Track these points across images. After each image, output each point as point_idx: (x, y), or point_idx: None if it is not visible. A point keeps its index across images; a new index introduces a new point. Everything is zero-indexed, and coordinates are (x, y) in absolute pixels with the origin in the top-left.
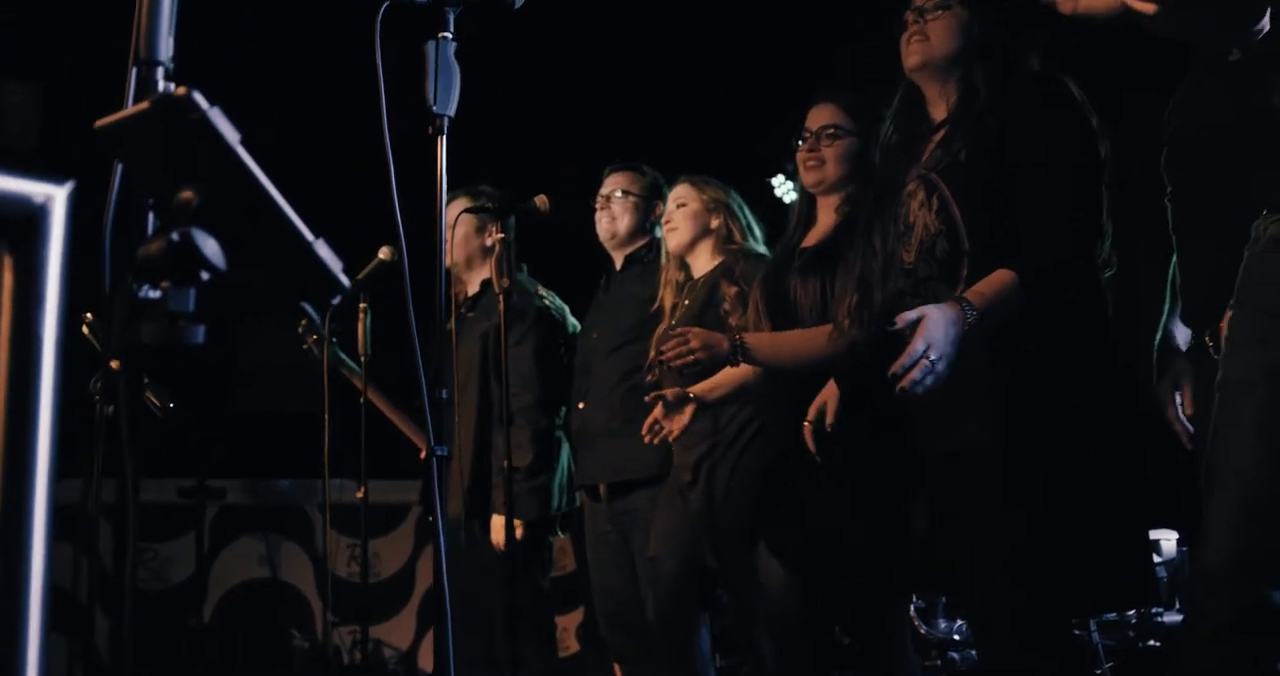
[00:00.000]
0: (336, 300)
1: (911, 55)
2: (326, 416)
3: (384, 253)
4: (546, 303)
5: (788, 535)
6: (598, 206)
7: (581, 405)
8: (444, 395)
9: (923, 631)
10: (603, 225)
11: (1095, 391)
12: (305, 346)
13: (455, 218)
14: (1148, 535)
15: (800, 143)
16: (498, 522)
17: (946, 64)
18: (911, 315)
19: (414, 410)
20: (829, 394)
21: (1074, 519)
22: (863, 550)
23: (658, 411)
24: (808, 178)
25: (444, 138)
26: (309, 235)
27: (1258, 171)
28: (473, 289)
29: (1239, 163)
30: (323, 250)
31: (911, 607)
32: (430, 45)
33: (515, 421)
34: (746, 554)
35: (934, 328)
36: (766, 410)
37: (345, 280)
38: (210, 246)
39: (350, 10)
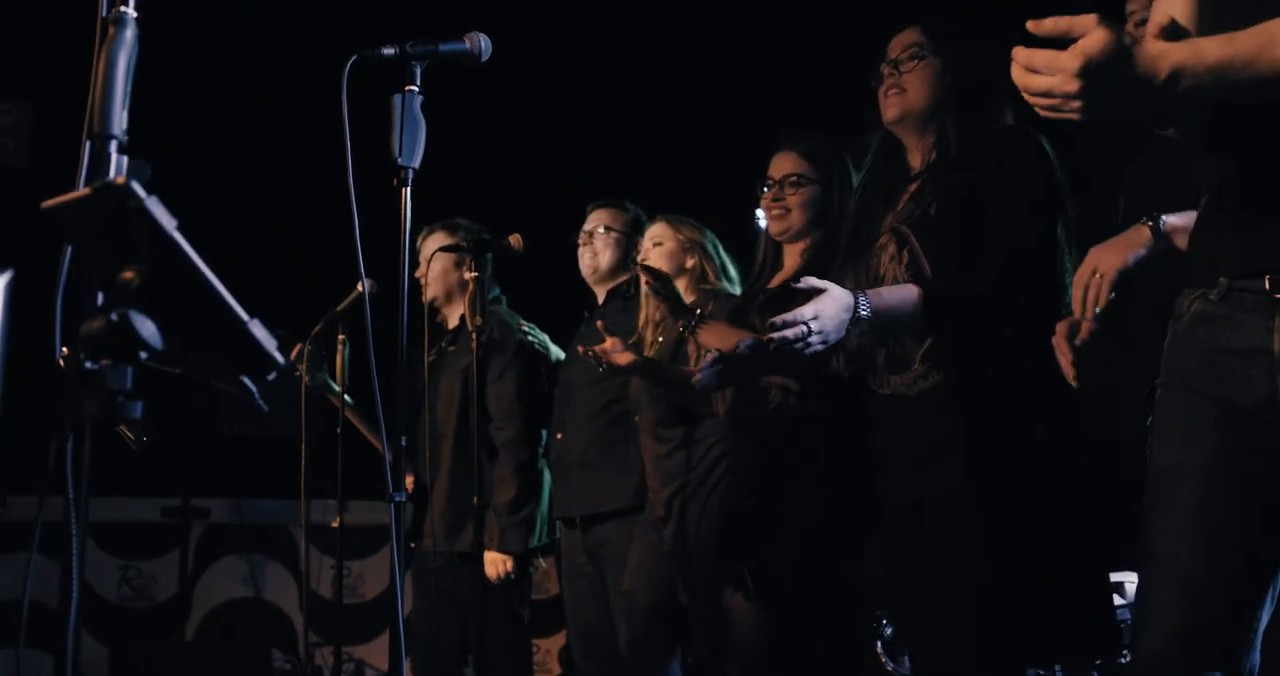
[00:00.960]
0: (272, 376)
1: (890, 108)
2: (304, 440)
3: (362, 285)
4: (529, 337)
5: (748, 569)
6: (581, 242)
7: (560, 435)
8: (404, 442)
9: (889, 668)
10: (585, 260)
11: (1051, 438)
12: (296, 372)
13: (431, 253)
14: (1109, 580)
15: (765, 191)
16: (488, 559)
17: (924, 116)
18: (817, 284)
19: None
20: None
21: (1035, 566)
22: (824, 586)
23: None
24: (774, 226)
25: (408, 189)
26: (244, 315)
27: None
28: (453, 322)
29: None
30: (257, 329)
31: (878, 643)
32: (396, 98)
33: (499, 456)
34: (716, 590)
35: (829, 305)
36: (734, 450)
37: (279, 357)
38: (147, 328)
39: (327, 62)
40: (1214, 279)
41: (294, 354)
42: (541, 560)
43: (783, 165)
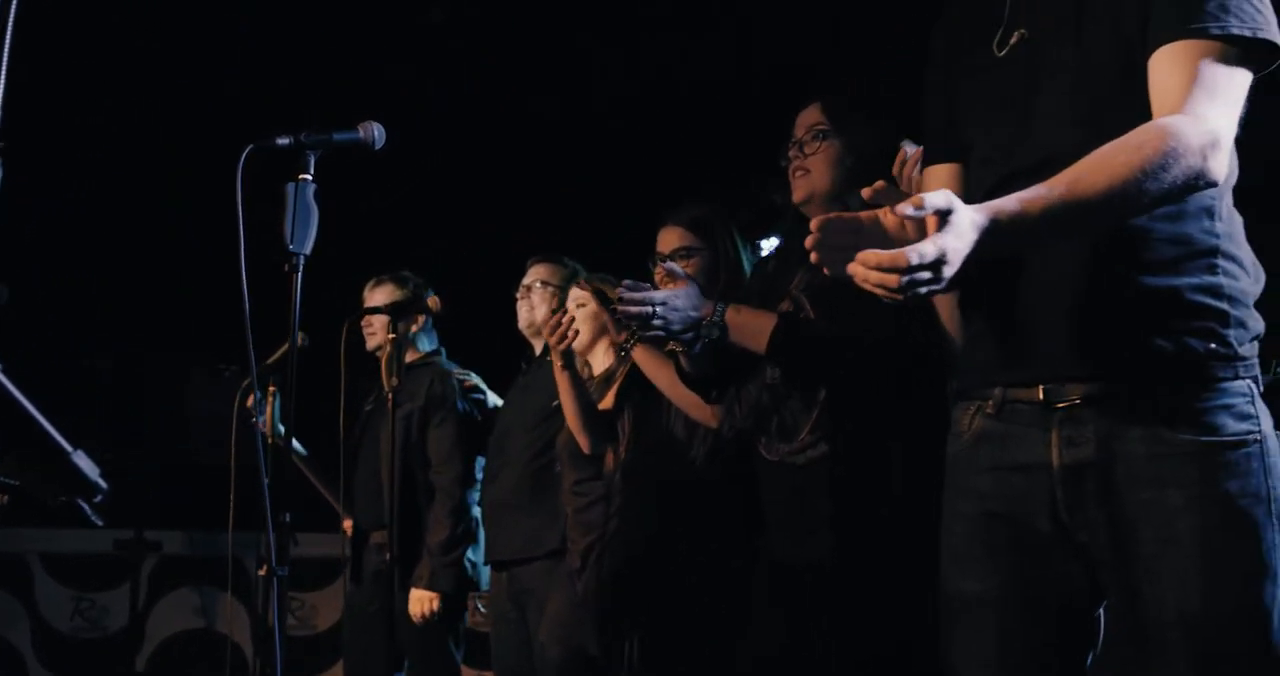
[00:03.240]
0: (99, 498)
1: (797, 190)
2: (233, 473)
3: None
4: (468, 383)
5: (630, 629)
6: (519, 296)
7: (493, 482)
8: (286, 518)
9: None
10: (523, 314)
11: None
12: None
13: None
14: None
15: (653, 266)
16: (415, 596)
17: (828, 196)
18: (681, 273)
19: (333, 480)
20: None
21: (917, 631)
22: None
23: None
24: None
25: (299, 275)
26: (67, 447)
27: None
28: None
29: None
30: (81, 460)
31: None
32: (290, 187)
33: (435, 498)
34: (626, 642)
35: (683, 298)
36: (624, 508)
37: (103, 483)
38: None
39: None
40: (989, 391)
41: (249, 402)
42: (481, 605)
43: (669, 240)
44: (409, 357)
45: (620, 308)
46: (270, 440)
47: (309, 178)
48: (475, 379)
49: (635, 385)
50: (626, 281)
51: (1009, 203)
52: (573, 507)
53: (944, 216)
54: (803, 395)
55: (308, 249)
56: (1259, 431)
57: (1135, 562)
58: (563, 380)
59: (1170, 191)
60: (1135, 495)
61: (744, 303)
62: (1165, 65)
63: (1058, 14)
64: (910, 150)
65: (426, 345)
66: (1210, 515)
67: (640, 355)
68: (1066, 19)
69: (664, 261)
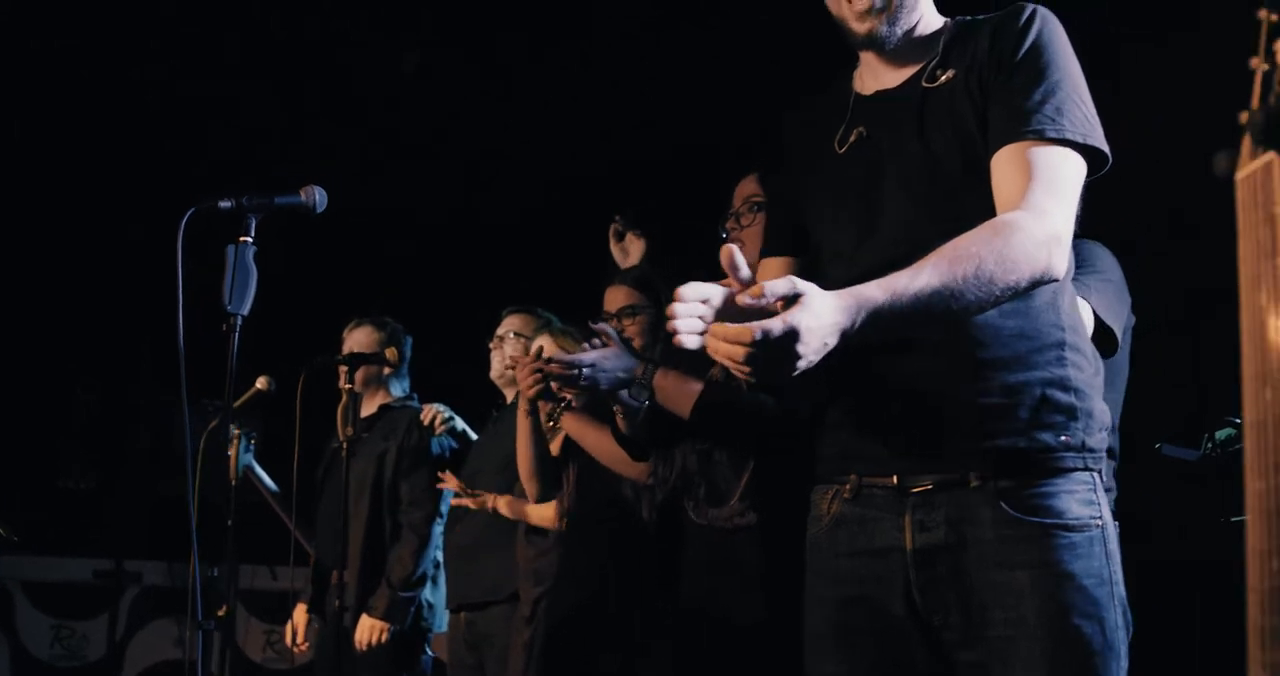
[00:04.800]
0: None
1: None
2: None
3: (260, 383)
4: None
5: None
6: (492, 346)
7: (457, 524)
8: (214, 573)
9: None
10: (495, 364)
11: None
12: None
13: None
14: None
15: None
16: (366, 623)
17: None
18: (611, 334)
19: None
20: None
21: None
22: None
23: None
24: None
25: (236, 335)
26: None
27: None
28: (367, 410)
29: None
30: None
31: None
32: (230, 249)
33: (403, 536)
34: None
35: (611, 360)
36: (568, 559)
37: None
38: None
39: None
40: (846, 477)
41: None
42: (430, 649)
43: (616, 299)
44: (383, 400)
45: (548, 369)
46: (233, 481)
47: (249, 240)
48: (454, 419)
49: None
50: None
51: (870, 289)
52: (525, 557)
53: (790, 300)
54: (731, 461)
55: (245, 310)
56: (1101, 518)
57: (986, 643)
58: (524, 426)
59: (1018, 284)
60: (985, 577)
61: (685, 363)
62: (1006, 165)
63: (898, 113)
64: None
65: (398, 390)
66: (1056, 596)
67: (568, 421)
68: (908, 118)
69: (611, 319)
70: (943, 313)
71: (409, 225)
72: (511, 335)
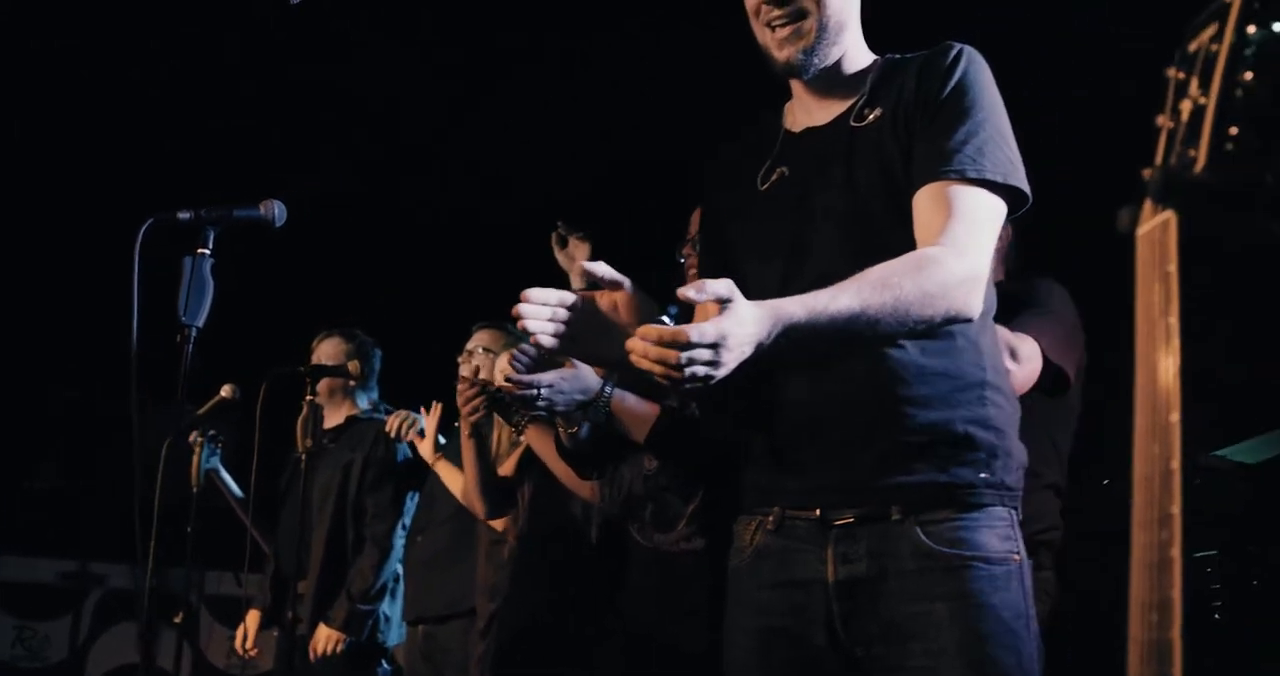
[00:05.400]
0: None
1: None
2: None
3: (225, 391)
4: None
5: None
6: (461, 361)
7: (418, 537)
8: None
9: None
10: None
11: None
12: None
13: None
14: None
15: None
16: (323, 632)
17: None
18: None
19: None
20: None
21: None
22: None
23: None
24: None
25: (190, 346)
26: None
27: None
28: (334, 421)
29: None
30: None
31: None
32: (187, 260)
33: (366, 548)
34: None
35: (570, 380)
36: (518, 577)
37: None
38: None
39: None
40: (769, 509)
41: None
42: (387, 663)
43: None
44: (351, 412)
45: (506, 388)
46: (194, 488)
47: (207, 253)
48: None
49: (537, 457)
50: (516, 352)
51: (789, 304)
52: (483, 572)
53: (724, 304)
54: (680, 488)
55: (200, 321)
56: (1019, 553)
57: (907, 674)
58: (467, 448)
59: (933, 318)
60: (905, 608)
61: (641, 384)
62: (928, 202)
63: (826, 152)
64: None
65: (365, 402)
66: (975, 627)
67: (532, 434)
68: (835, 158)
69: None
70: (857, 337)
71: (394, 234)
72: (480, 350)
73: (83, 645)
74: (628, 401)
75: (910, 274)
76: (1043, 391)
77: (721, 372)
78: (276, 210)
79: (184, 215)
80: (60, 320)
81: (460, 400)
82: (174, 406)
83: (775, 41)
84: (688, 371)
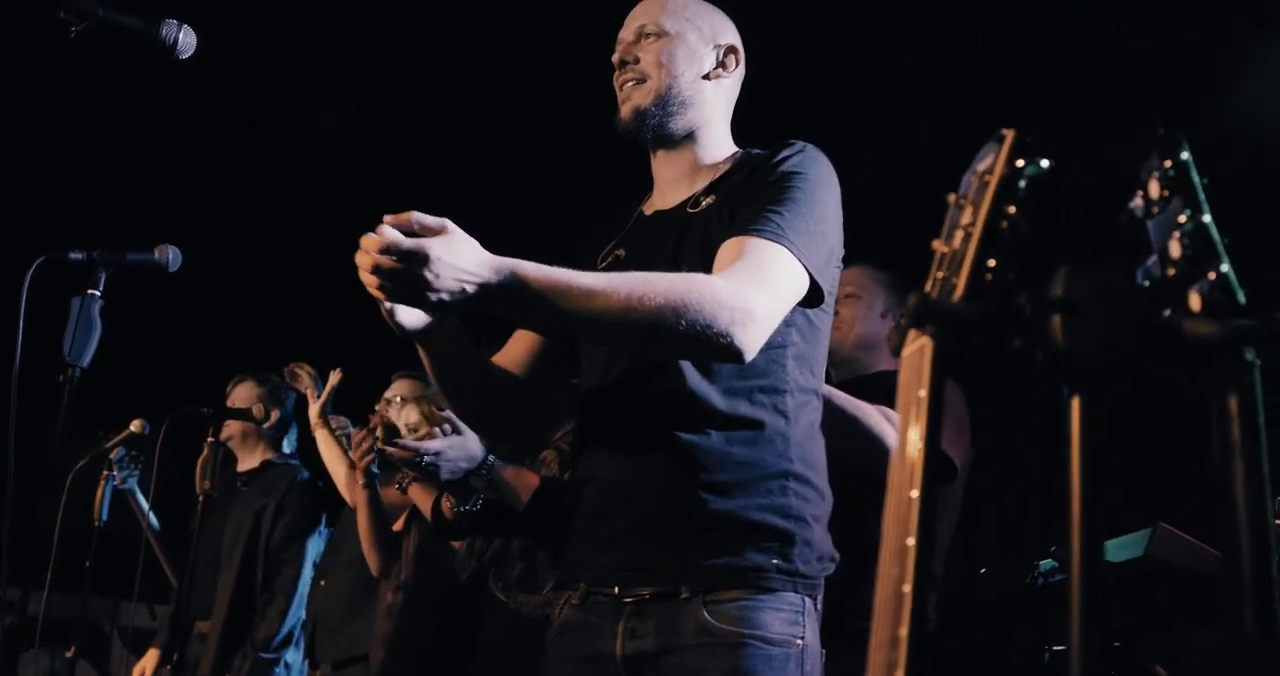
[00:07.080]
0: None
1: None
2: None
3: (134, 425)
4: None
5: None
6: (379, 408)
7: (324, 579)
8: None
9: None
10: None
11: None
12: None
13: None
14: None
15: None
16: None
17: None
18: (459, 426)
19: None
20: None
21: None
22: None
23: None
24: None
25: (72, 386)
26: None
27: None
28: (248, 464)
29: None
30: None
31: None
32: (75, 301)
33: (274, 595)
34: None
35: (457, 450)
36: (400, 625)
37: None
38: None
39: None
40: (577, 584)
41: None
42: None
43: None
44: (266, 456)
45: (390, 451)
46: (96, 522)
47: (97, 294)
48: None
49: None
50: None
51: (528, 263)
52: (379, 621)
53: (433, 232)
54: (550, 553)
55: (85, 362)
56: (803, 639)
57: None
58: (361, 498)
59: (688, 334)
60: None
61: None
62: (725, 251)
63: (661, 236)
64: None
65: (286, 446)
66: None
67: (415, 491)
68: (667, 242)
69: None
70: (598, 318)
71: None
72: (399, 399)
73: None
74: (509, 471)
75: (674, 280)
76: None
77: (436, 298)
78: (170, 255)
79: (76, 255)
80: None
81: (354, 450)
82: (96, 435)
83: (620, 101)
84: (384, 280)
